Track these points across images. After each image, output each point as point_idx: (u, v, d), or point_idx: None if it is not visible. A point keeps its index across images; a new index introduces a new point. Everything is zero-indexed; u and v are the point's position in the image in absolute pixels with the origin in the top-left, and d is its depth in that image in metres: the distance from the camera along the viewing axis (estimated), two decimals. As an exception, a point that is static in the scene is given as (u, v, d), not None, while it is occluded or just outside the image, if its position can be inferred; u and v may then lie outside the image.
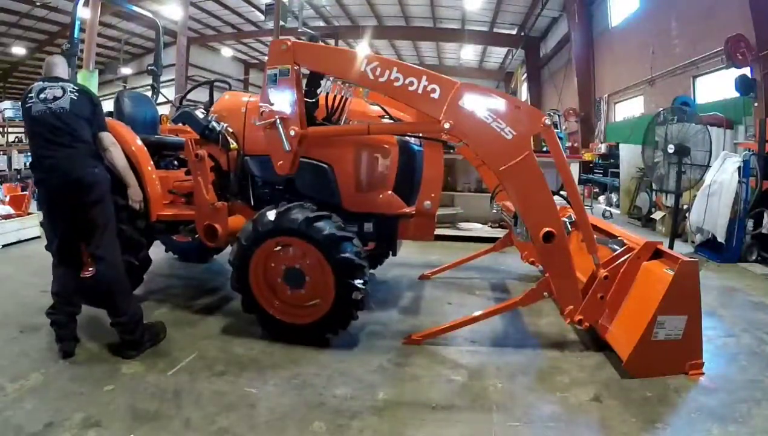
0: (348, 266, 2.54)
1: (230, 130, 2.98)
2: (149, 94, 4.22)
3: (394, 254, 3.32)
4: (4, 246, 5.13)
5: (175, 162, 3.59)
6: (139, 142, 3.18)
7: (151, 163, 3.19)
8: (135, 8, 4.54)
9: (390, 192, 2.96)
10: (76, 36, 3.46)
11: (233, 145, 2.96)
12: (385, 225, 2.99)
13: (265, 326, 2.80)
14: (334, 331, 2.70)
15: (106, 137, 2.61)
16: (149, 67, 4.41)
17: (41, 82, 2.53)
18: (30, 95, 2.48)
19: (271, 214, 2.63)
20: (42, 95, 2.45)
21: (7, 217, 5.52)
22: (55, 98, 2.45)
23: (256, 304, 2.76)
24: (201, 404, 2.15)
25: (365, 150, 2.90)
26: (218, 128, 2.95)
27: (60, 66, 2.71)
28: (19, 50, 18.93)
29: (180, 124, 3.34)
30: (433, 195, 2.87)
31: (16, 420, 1.97)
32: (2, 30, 16.97)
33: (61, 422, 1.96)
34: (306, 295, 2.73)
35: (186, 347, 2.72)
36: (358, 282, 2.56)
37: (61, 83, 2.54)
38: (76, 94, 2.51)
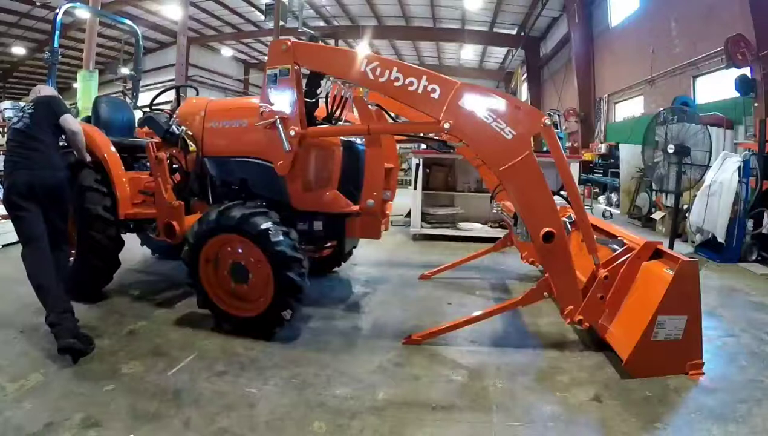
0: (283, 258, 2.63)
1: (189, 133, 3.09)
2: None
3: (342, 252, 3.41)
4: (4, 246, 5.12)
5: (148, 163, 3.64)
6: (111, 146, 3.36)
7: (121, 165, 3.34)
8: (121, 17, 4.87)
9: (335, 191, 3.02)
10: (56, 45, 3.67)
11: (192, 147, 3.07)
12: (333, 223, 3.07)
13: (218, 319, 2.90)
14: (279, 323, 2.77)
15: (68, 119, 2.91)
16: (129, 73, 4.55)
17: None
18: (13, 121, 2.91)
19: (213, 213, 2.77)
20: (15, 127, 2.85)
21: (7, 217, 5.50)
22: (19, 119, 2.85)
23: (208, 299, 2.88)
24: (201, 404, 2.15)
25: (310, 150, 2.95)
26: (177, 132, 3.07)
27: (38, 92, 3.05)
28: (19, 50, 18.94)
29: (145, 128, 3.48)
30: (375, 194, 2.92)
31: (16, 420, 1.97)
32: (2, 30, 16.98)
33: (61, 422, 1.96)
34: (250, 288, 2.84)
35: (186, 347, 2.72)
36: (294, 274, 2.65)
37: (22, 105, 2.99)
38: (33, 108, 2.85)
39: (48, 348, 2.64)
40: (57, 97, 3.02)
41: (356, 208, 3.02)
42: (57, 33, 3.66)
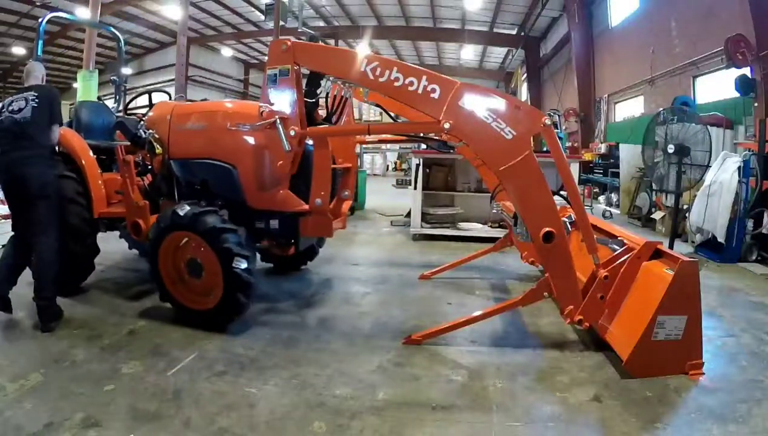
0: (230, 254, 2.75)
1: (156, 136, 3.20)
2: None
3: (298, 249, 3.53)
4: (3, 246, 5.12)
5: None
6: (88, 150, 3.52)
7: (97, 168, 3.51)
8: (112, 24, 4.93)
9: (287, 191, 3.10)
10: (39, 53, 3.84)
11: (158, 150, 3.19)
12: (288, 222, 3.17)
13: (178, 313, 3.03)
14: (230, 316, 2.90)
15: (55, 129, 3.04)
16: (111, 77, 4.75)
17: (12, 97, 2.97)
18: (2, 109, 2.91)
19: (168, 213, 2.92)
20: (11, 107, 2.90)
21: (7, 217, 5.51)
22: (20, 109, 2.88)
23: (168, 293, 3.01)
24: (201, 404, 2.15)
25: (263, 150, 3.01)
26: (144, 135, 3.20)
27: (33, 73, 3.09)
28: (19, 50, 18.93)
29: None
30: (323, 193, 2.99)
31: (16, 420, 1.97)
32: (2, 30, 16.98)
33: (61, 422, 1.96)
34: (204, 283, 2.96)
35: (186, 347, 2.72)
36: (240, 269, 2.76)
37: (24, 94, 2.94)
38: (36, 101, 2.89)
39: (48, 348, 2.64)
40: (57, 99, 3.07)
41: (307, 207, 3.08)
42: (41, 42, 3.84)
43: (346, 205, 3.61)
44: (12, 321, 3.02)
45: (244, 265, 2.78)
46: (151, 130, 3.21)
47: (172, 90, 18.31)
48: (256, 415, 2.07)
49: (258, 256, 3.98)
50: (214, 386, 2.31)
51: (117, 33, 4.89)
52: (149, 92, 4.05)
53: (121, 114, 4.47)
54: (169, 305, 3.06)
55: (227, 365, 2.52)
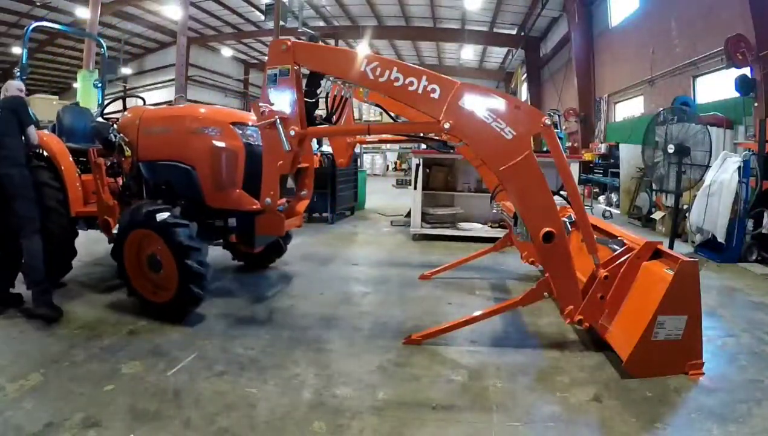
0: (181, 248, 2.92)
1: (126, 140, 3.42)
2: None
3: (252, 247, 3.64)
4: None
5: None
6: (67, 154, 3.66)
7: (75, 170, 3.66)
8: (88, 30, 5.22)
9: (240, 190, 3.26)
10: (24, 62, 4.09)
11: (128, 152, 3.41)
12: (244, 220, 3.35)
13: (143, 306, 3.18)
14: (186, 307, 3.06)
15: (31, 130, 3.19)
16: (94, 82, 4.78)
17: None
18: None
19: (129, 212, 3.14)
20: None
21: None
22: None
23: (132, 287, 3.17)
24: (201, 404, 2.15)
25: (218, 152, 3.21)
26: (114, 139, 3.41)
27: (8, 91, 3.24)
28: (19, 50, 18.92)
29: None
30: (272, 192, 3.06)
31: (16, 420, 1.97)
32: (2, 30, 16.98)
33: (61, 422, 1.96)
34: (163, 277, 3.10)
35: (186, 347, 2.72)
36: (192, 262, 2.92)
37: None
38: (2, 112, 3.04)
39: (48, 348, 2.64)
40: (22, 106, 3.17)
41: (258, 205, 3.17)
42: (25, 51, 4.08)
43: (302, 205, 3.79)
44: (12, 321, 3.02)
45: (196, 258, 2.94)
46: (121, 134, 3.43)
47: (172, 90, 18.33)
48: (256, 415, 2.07)
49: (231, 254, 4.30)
50: (214, 386, 2.31)
51: (101, 41, 5.17)
52: (123, 98, 4.30)
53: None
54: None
55: (227, 365, 2.52)
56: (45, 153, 3.59)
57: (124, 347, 2.70)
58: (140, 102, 4.18)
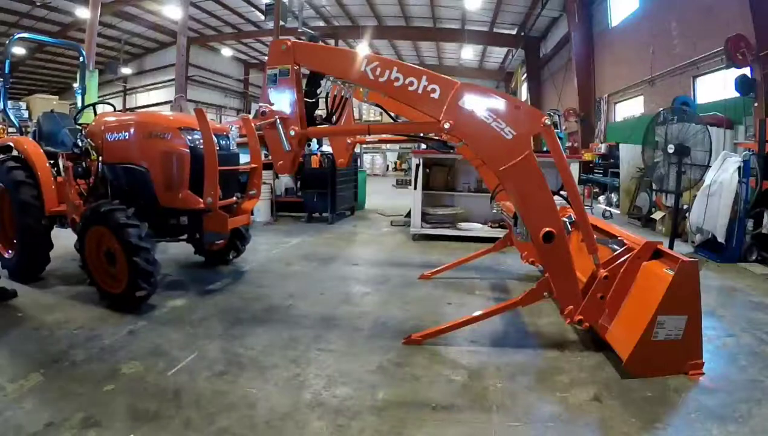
0: (131, 247, 3.12)
1: (92, 144, 3.68)
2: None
3: (202, 242, 3.96)
4: None
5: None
6: (43, 158, 3.91)
7: (50, 173, 3.91)
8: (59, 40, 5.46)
9: (187, 191, 3.46)
10: (6, 71, 4.30)
11: (94, 156, 3.68)
12: (193, 219, 3.61)
13: (102, 297, 3.37)
14: (135, 301, 3.23)
15: None
16: (75, 89, 5.07)
17: None
18: None
19: (88, 210, 3.35)
20: None
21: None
22: None
23: (93, 278, 3.38)
24: (201, 404, 2.14)
25: (167, 154, 3.45)
26: (81, 144, 3.70)
27: None
28: (19, 50, 18.90)
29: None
30: (212, 192, 3.36)
31: (16, 420, 1.97)
32: (2, 30, 16.96)
33: (61, 422, 1.96)
34: (118, 270, 3.28)
35: (186, 347, 2.72)
36: (140, 260, 3.12)
37: None
38: None
39: (48, 348, 2.64)
40: None
41: (203, 204, 3.43)
42: (8, 61, 4.28)
43: (250, 204, 3.99)
44: (12, 321, 3.02)
45: (145, 256, 3.14)
46: (88, 139, 3.69)
47: (172, 90, 18.29)
48: (256, 415, 2.07)
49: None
50: (214, 386, 2.31)
51: (80, 47, 5.39)
52: (94, 104, 4.68)
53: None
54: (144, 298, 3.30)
55: (227, 365, 2.52)
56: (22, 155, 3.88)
57: (124, 347, 2.70)
58: (109, 108, 4.49)
